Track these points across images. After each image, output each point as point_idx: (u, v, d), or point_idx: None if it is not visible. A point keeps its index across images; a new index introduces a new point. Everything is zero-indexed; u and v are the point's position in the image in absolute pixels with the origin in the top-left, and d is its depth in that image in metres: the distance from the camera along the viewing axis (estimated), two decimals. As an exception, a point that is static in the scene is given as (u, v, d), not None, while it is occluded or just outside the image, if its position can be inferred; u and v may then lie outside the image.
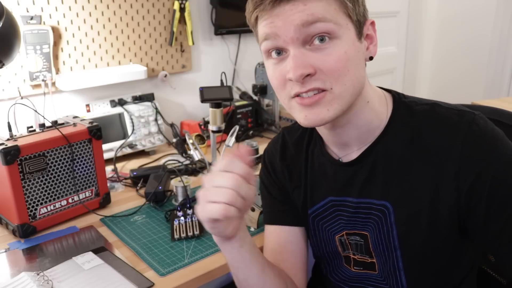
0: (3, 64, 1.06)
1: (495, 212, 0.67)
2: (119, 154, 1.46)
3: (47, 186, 1.04)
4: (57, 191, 1.06)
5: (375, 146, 0.75)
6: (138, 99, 1.55)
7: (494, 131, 0.69)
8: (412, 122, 0.73)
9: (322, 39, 0.64)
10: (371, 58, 0.72)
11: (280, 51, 0.67)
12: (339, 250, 0.83)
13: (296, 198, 0.86)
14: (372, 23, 0.71)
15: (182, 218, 1.05)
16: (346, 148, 0.78)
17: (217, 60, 1.85)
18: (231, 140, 1.35)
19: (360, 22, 0.68)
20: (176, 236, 1.00)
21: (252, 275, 0.74)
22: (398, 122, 0.74)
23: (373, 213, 0.76)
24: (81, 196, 1.11)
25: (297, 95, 0.67)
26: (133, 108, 1.52)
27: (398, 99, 0.77)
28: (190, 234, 1.00)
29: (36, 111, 1.15)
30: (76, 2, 1.41)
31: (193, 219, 1.05)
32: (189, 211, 1.07)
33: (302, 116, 0.68)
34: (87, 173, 1.11)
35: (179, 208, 1.08)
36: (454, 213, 0.70)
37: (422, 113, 0.73)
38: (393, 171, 0.73)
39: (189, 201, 1.11)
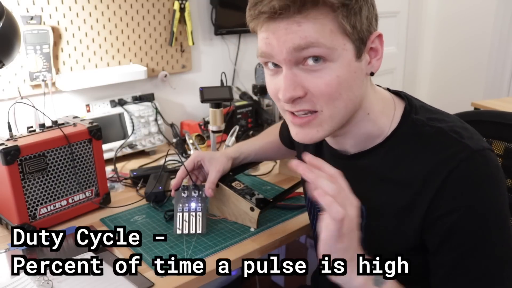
0: (3, 64, 1.06)
1: (446, 248, 0.66)
2: (119, 154, 1.46)
3: (47, 186, 1.04)
4: (57, 191, 1.06)
5: (367, 155, 0.74)
6: (138, 99, 1.55)
7: (486, 175, 0.64)
8: (411, 144, 0.70)
9: (316, 59, 0.64)
10: (371, 74, 0.69)
11: (276, 64, 0.68)
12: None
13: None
14: (379, 36, 0.67)
15: (186, 206, 1.01)
16: (343, 151, 0.79)
17: (217, 60, 1.85)
18: (231, 140, 1.35)
19: (362, 39, 0.65)
20: (178, 230, 0.99)
21: None
22: (397, 141, 0.71)
23: None
24: (81, 196, 1.11)
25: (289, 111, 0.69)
26: (133, 108, 1.52)
27: (408, 112, 0.72)
28: (192, 231, 0.99)
29: (37, 109, 1.15)
30: (76, 2, 1.41)
31: (197, 215, 1.01)
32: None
33: (294, 133, 0.72)
34: (87, 173, 1.11)
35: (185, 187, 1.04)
36: (417, 237, 0.69)
37: (424, 137, 0.69)
38: (369, 185, 0.73)
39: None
